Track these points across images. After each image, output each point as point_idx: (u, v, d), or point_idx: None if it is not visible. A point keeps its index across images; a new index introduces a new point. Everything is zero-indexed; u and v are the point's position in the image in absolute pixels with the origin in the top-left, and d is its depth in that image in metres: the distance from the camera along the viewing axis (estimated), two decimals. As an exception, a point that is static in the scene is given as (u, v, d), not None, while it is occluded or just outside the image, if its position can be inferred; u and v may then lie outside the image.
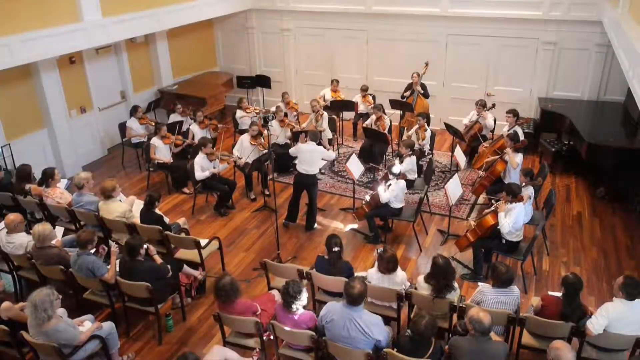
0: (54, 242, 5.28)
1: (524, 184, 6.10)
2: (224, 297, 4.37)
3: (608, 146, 7.34)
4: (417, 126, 8.17)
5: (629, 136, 7.86)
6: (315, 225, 7.24)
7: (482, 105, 8.36)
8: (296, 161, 6.97)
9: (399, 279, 4.78)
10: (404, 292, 4.66)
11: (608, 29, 7.77)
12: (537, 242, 5.99)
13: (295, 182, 7.02)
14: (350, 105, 9.48)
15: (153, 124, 8.98)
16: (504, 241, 5.74)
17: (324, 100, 9.60)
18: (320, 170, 7.65)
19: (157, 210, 5.99)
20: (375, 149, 8.44)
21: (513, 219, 5.55)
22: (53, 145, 8.62)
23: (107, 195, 6.01)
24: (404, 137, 8.42)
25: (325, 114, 8.85)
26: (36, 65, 7.89)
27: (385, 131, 8.36)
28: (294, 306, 4.20)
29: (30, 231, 5.55)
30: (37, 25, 7.20)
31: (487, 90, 9.88)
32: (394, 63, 10.39)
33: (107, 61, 9.68)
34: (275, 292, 5.06)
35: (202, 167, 7.24)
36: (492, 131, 8.56)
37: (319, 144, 7.25)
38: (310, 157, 6.77)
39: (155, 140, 8.06)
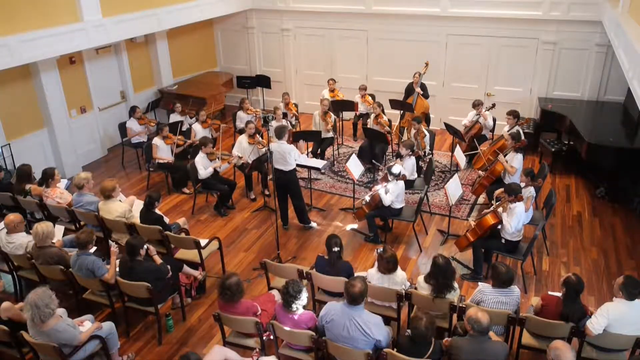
0: (54, 241, 5.29)
1: (524, 184, 6.10)
2: (228, 297, 4.37)
3: (608, 146, 7.34)
4: (414, 131, 8.11)
5: (629, 136, 7.86)
6: (314, 224, 7.25)
7: (480, 104, 8.34)
8: None
9: (399, 279, 4.78)
10: (404, 292, 4.66)
11: (608, 29, 7.77)
12: (537, 242, 5.99)
13: (275, 181, 6.86)
14: (350, 105, 9.48)
15: (153, 124, 8.99)
16: (503, 241, 5.74)
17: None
18: (320, 170, 7.66)
19: (157, 211, 5.99)
20: (375, 150, 8.44)
21: (516, 218, 5.54)
22: (53, 145, 8.62)
23: (107, 195, 6.01)
24: (404, 138, 8.42)
25: (333, 116, 8.85)
26: (36, 65, 7.89)
27: (387, 128, 8.35)
28: (294, 306, 4.21)
29: (31, 231, 5.56)
30: (37, 25, 7.21)
31: (487, 90, 9.89)
32: (394, 63, 10.39)
33: (107, 61, 9.69)
34: (275, 292, 5.06)
35: (203, 166, 7.25)
36: (492, 131, 8.56)
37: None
38: (280, 156, 6.62)
39: (157, 141, 8.07)
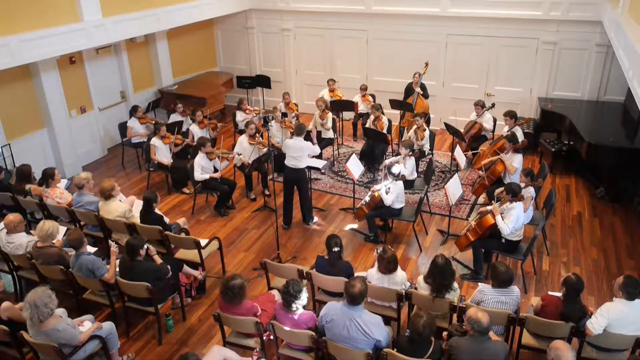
0: (54, 241, 5.29)
1: (524, 184, 6.10)
2: (229, 297, 4.37)
3: (608, 146, 7.34)
4: (415, 126, 8.16)
5: (629, 136, 7.86)
6: (315, 219, 7.28)
7: (481, 106, 8.36)
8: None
9: (399, 279, 4.79)
10: (404, 292, 4.66)
11: (608, 29, 7.77)
12: (537, 242, 5.99)
13: (285, 178, 7.01)
14: (350, 105, 9.48)
15: (154, 122, 8.98)
16: (503, 240, 5.74)
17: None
18: (320, 170, 7.67)
19: (157, 211, 5.99)
20: (376, 151, 8.44)
21: (514, 218, 5.54)
22: (53, 145, 8.62)
23: (107, 195, 6.02)
24: (404, 138, 8.42)
25: (330, 113, 8.87)
26: (36, 65, 7.89)
27: (384, 131, 8.36)
28: (293, 306, 4.21)
29: (31, 231, 5.56)
30: (37, 25, 7.21)
31: (487, 90, 9.89)
32: (394, 63, 10.39)
33: (107, 61, 9.69)
34: (275, 292, 5.07)
35: (202, 167, 7.25)
36: (493, 131, 8.56)
37: (308, 138, 7.29)
38: (296, 152, 6.77)
39: (155, 141, 8.06)
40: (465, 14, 9.46)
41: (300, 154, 6.78)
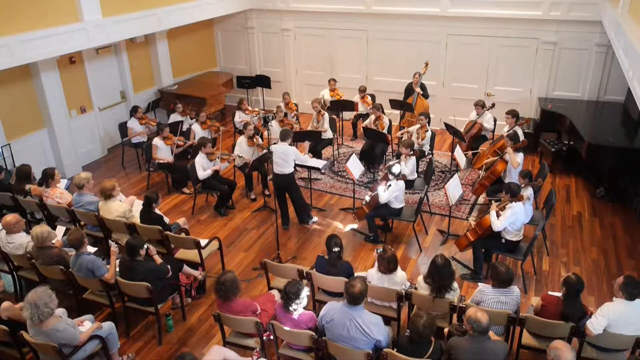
0: (54, 242, 5.29)
1: (522, 185, 6.10)
2: (222, 293, 4.38)
3: (608, 146, 7.34)
4: (418, 125, 8.16)
5: (629, 136, 7.86)
6: (315, 219, 7.29)
7: (481, 106, 8.37)
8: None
9: (399, 279, 4.79)
10: (404, 292, 4.66)
11: (608, 29, 7.77)
12: (537, 242, 5.99)
13: (274, 184, 6.89)
14: (350, 105, 9.48)
15: (154, 124, 8.98)
16: (503, 240, 5.74)
17: (324, 101, 9.58)
18: (320, 170, 7.67)
19: (156, 211, 5.99)
20: (376, 150, 8.44)
21: (508, 215, 5.54)
22: (53, 145, 8.62)
23: (107, 195, 6.02)
24: (400, 134, 8.43)
25: (326, 114, 8.86)
26: (36, 65, 7.89)
27: (384, 131, 8.36)
28: (293, 306, 4.21)
29: (30, 232, 5.56)
30: (37, 25, 7.21)
31: (487, 90, 9.89)
32: (394, 63, 10.39)
33: (107, 61, 9.69)
34: (275, 292, 5.07)
35: (202, 166, 7.25)
36: (493, 131, 8.56)
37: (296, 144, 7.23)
38: (281, 158, 6.66)
39: (157, 141, 8.06)
40: (465, 14, 9.46)
41: (286, 158, 6.68)
